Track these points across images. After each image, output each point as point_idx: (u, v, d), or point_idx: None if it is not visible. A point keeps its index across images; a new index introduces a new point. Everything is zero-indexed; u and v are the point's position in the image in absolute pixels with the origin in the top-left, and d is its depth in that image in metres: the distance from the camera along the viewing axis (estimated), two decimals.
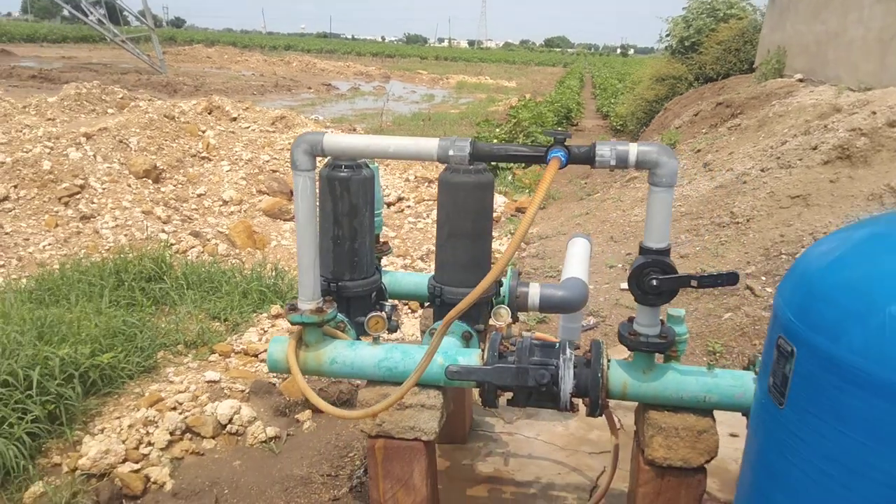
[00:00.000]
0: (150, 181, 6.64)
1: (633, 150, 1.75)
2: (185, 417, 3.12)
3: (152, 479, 2.75)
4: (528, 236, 7.11)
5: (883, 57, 8.28)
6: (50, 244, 5.47)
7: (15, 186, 5.98)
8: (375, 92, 30.69)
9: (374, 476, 2.05)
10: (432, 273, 2.36)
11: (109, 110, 9.48)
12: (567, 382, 1.89)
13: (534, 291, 2.44)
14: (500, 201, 8.11)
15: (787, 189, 5.84)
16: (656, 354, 1.92)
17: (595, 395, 1.91)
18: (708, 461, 1.86)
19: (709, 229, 5.83)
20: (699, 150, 8.66)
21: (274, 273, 5.12)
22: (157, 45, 24.36)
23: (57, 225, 5.71)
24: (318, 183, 2.14)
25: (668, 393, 1.89)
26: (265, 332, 4.28)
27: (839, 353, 1.07)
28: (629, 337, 1.90)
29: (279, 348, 2.10)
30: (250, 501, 2.79)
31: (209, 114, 9.27)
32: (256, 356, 3.97)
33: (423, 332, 2.55)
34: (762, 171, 6.50)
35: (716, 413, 1.91)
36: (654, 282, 1.78)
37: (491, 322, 2.19)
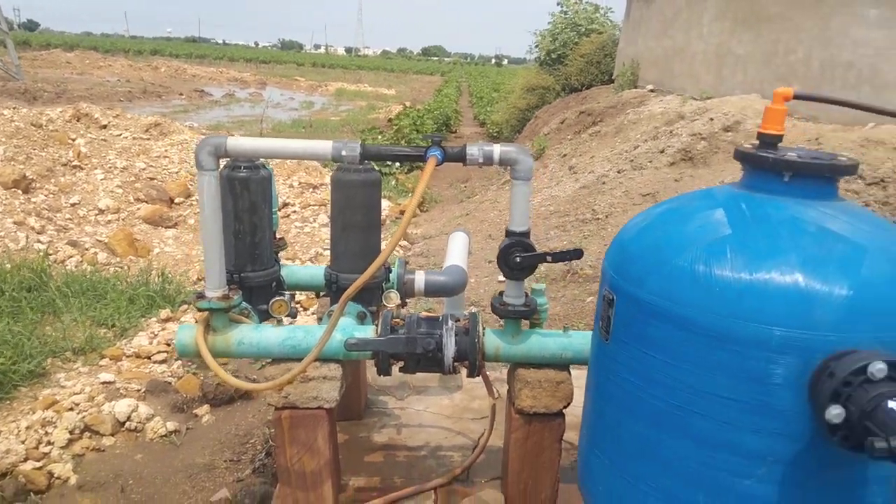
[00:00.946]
0: (19, 191, 6.35)
1: (496, 149, 2.11)
2: (84, 417, 3.17)
3: (56, 475, 2.80)
4: (413, 237, 7.46)
5: (720, 69, 9.36)
6: None
7: None
8: (252, 98, 30.02)
9: (280, 444, 2.28)
10: (326, 265, 2.62)
11: None
12: (450, 349, 2.22)
13: (419, 278, 2.76)
14: (384, 205, 8.40)
15: (640, 188, 6.56)
16: (522, 321, 2.29)
17: (473, 359, 2.24)
18: (565, 406, 2.25)
19: (574, 225, 6.43)
20: (565, 155, 9.39)
21: (161, 279, 5.12)
22: (13, 49, 22.53)
23: None
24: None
25: (533, 353, 2.26)
26: (156, 335, 4.32)
27: (643, 296, 1.46)
28: (500, 307, 2.25)
29: (187, 334, 2.27)
30: (155, 489, 2.91)
31: (78, 121, 8.90)
32: (149, 358, 4.02)
33: (319, 319, 2.80)
34: (619, 172, 7.24)
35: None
36: (518, 259, 2.15)
37: (382, 304, 2.48)
